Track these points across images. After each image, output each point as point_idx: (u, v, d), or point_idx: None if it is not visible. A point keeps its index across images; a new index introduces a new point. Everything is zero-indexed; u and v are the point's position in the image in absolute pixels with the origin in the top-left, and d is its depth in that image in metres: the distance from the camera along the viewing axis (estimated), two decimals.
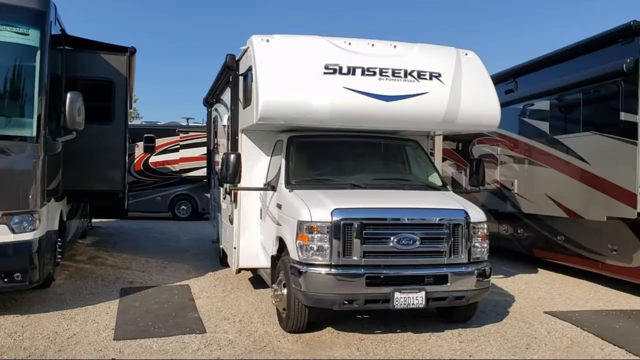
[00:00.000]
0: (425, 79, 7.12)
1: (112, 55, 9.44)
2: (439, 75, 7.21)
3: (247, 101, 7.59)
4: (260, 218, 8.39)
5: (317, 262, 6.24)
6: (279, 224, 7.11)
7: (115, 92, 9.55)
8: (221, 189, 10.96)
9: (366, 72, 6.96)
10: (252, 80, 7.17)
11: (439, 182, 7.70)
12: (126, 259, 11.84)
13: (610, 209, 8.26)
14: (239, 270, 8.68)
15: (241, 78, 8.27)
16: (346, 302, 6.19)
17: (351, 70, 6.94)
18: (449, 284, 6.37)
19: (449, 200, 6.90)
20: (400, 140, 8.16)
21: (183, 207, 22.37)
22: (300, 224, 6.30)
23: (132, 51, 9.57)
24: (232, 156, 7.46)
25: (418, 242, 6.31)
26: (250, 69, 7.40)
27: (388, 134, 8.03)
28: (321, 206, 6.36)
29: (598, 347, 6.46)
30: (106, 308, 7.85)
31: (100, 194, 9.60)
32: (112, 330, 6.77)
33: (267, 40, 7.14)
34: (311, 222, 6.23)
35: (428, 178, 7.76)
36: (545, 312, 7.92)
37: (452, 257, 6.45)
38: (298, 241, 6.33)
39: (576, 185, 9.00)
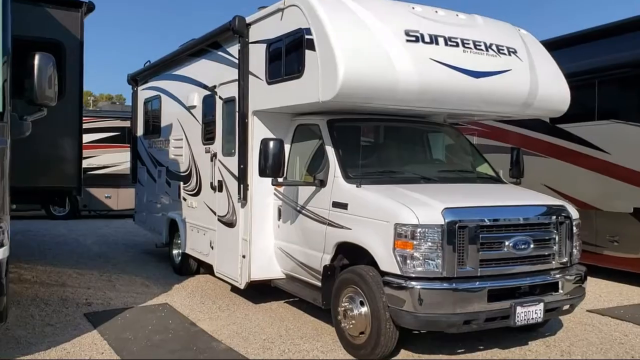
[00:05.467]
0: (505, 54, 6.16)
1: (62, 11, 7.23)
2: (515, 51, 6.29)
3: (289, 73, 6.04)
4: (280, 219, 6.87)
5: (427, 275, 5.00)
6: (341, 227, 5.72)
7: (65, 58, 7.35)
8: (181, 183, 9.12)
9: (449, 42, 5.81)
10: (306, 47, 5.66)
11: (493, 173, 6.80)
12: (48, 272, 9.43)
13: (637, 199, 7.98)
14: (249, 284, 7.07)
15: (259, 47, 6.65)
16: (465, 323, 5.03)
17: (434, 39, 5.74)
18: (561, 291, 5.51)
19: (536, 195, 6.03)
20: (444, 127, 7.13)
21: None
22: (400, 227, 5.02)
23: (90, 7, 7.40)
24: (272, 143, 5.92)
25: (532, 245, 5.35)
26: (295, 33, 5.89)
27: (420, 117, 6.94)
28: (426, 206, 5.12)
29: None
30: (90, 345, 5.88)
31: (47, 192, 7.32)
32: None
33: None
34: (418, 225, 4.97)
35: (484, 169, 6.82)
36: (588, 311, 7.42)
37: (558, 260, 5.58)
38: (397, 249, 5.04)
39: (591, 176, 8.66)
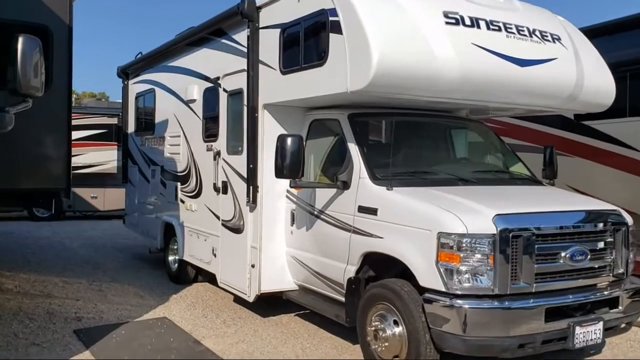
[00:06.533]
0: (549, 40, 5.51)
1: None
2: (559, 38, 5.65)
3: (309, 61, 5.34)
4: (293, 224, 6.17)
5: (476, 292, 4.34)
6: (369, 235, 5.04)
7: (53, 45, 6.58)
8: (178, 184, 8.38)
9: (491, 26, 5.15)
10: (330, 30, 4.97)
11: (529, 173, 6.16)
12: (32, 281, 8.63)
13: None
14: (259, 297, 6.36)
15: (271, 32, 5.95)
16: (520, 347, 4.37)
17: (475, 22, 5.08)
18: (620, 307, 4.87)
19: (586, 199, 5.42)
20: (473, 122, 6.49)
21: None
22: (445, 237, 4.36)
23: None
24: (291, 140, 5.23)
25: (589, 256, 4.71)
26: (317, 15, 5.21)
27: (443, 111, 6.28)
28: (474, 212, 4.46)
29: None
30: None
31: (31, 194, 6.55)
32: None
33: None
34: (466, 234, 4.31)
35: (518, 168, 6.18)
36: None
37: (615, 271, 4.95)
38: (440, 263, 4.37)
39: (623, 176, 8.04)
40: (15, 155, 6.26)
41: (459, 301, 4.31)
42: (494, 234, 4.32)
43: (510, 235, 4.36)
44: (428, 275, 4.46)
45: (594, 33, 8.08)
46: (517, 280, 4.41)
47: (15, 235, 14.04)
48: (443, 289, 4.37)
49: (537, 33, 5.41)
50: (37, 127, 6.41)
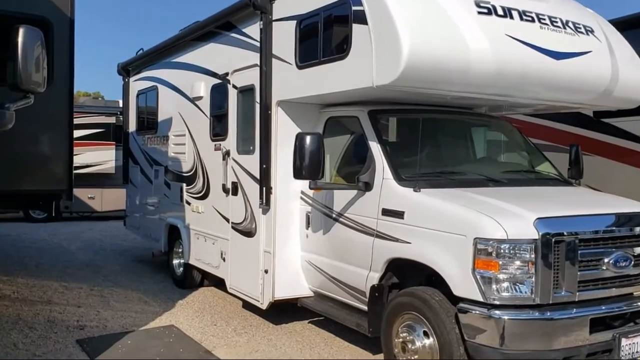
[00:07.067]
0: (582, 33, 5.20)
1: None
2: (592, 30, 5.34)
3: (328, 54, 5.02)
4: (308, 227, 5.85)
5: (516, 302, 4.03)
6: (395, 240, 4.72)
7: (53, 39, 6.24)
8: (184, 185, 8.05)
9: (524, 17, 4.83)
10: (353, 20, 4.65)
11: (557, 173, 5.85)
12: (31, 287, 8.28)
13: None
14: (273, 304, 6.04)
15: (286, 24, 5.62)
16: None
17: (507, 13, 4.76)
18: None
19: (622, 200, 5.10)
20: (496, 119, 6.18)
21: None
22: (483, 242, 4.04)
23: None
24: (310, 139, 4.91)
25: (632, 262, 4.40)
26: (338, 4, 4.89)
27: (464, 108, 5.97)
28: (513, 215, 4.15)
29: None
30: None
31: (30, 196, 6.20)
32: None
33: None
34: (506, 239, 3.99)
35: (546, 168, 5.87)
36: None
37: None
38: (477, 270, 4.06)
39: None
40: (13, 156, 5.92)
41: (498, 312, 4.00)
42: (536, 239, 4.01)
43: (553, 240, 4.04)
44: (463, 284, 4.14)
45: (619, 26, 7.79)
46: (559, 289, 4.10)
47: (12, 238, 13.66)
48: (480, 299, 4.06)
49: (570, 24, 5.10)
50: (36, 126, 6.08)
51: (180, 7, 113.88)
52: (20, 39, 4.40)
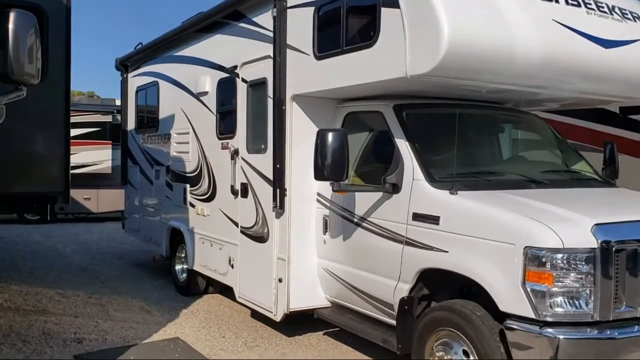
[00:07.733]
0: (630, 19, 4.76)
1: None
2: (639, 16, 4.88)
3: (352, 43, 4.55)
4: (326, 232, 5.39)
5: (572, 319, 3.57)
6: (429, 248, 4.26)
7: (47, 27, 5.74)
8: (187, 186, 7.57)
9: (570, 1, 4.37)
10: (382, 4, 4.19)
11: (594, 173, 5.40)
12: (24, 294, 7.78)
13: None
14: (288, 315, 5.57)
15: (303, 12, 5.15)
16: None
17: None
18: None
19: None
20: (529, 115, 5.73)
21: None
22: (535, 252, 3.58)
23: None
24: (333, 136, 4.44)
25: None
26: None
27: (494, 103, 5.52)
28: (568, 221, 3.70)
29: None
30: None
31: (24, 199, 5.71)
32: None
33: None
34: (562, 249, 3.54)
35: (583, 167, 5.42)
36: None
37: None
38: (528, 283, 3.60)
39: None
40: (6, 155, 5.44)
41: (551, 330, 3.55)
42: (595, 248, 3.56)
43: (614, 248, 3.59)
44: (511, 299, 3.69)
45: None
46: (620, 304, 3.65)
47: (4, 240, 13.15)
48: (531, 315, 3.60)
49: (617, 10, 4.66)
50: (30, 123, 5.60)
51: (179, 7, 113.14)
52: (11, 25, 3.99)
